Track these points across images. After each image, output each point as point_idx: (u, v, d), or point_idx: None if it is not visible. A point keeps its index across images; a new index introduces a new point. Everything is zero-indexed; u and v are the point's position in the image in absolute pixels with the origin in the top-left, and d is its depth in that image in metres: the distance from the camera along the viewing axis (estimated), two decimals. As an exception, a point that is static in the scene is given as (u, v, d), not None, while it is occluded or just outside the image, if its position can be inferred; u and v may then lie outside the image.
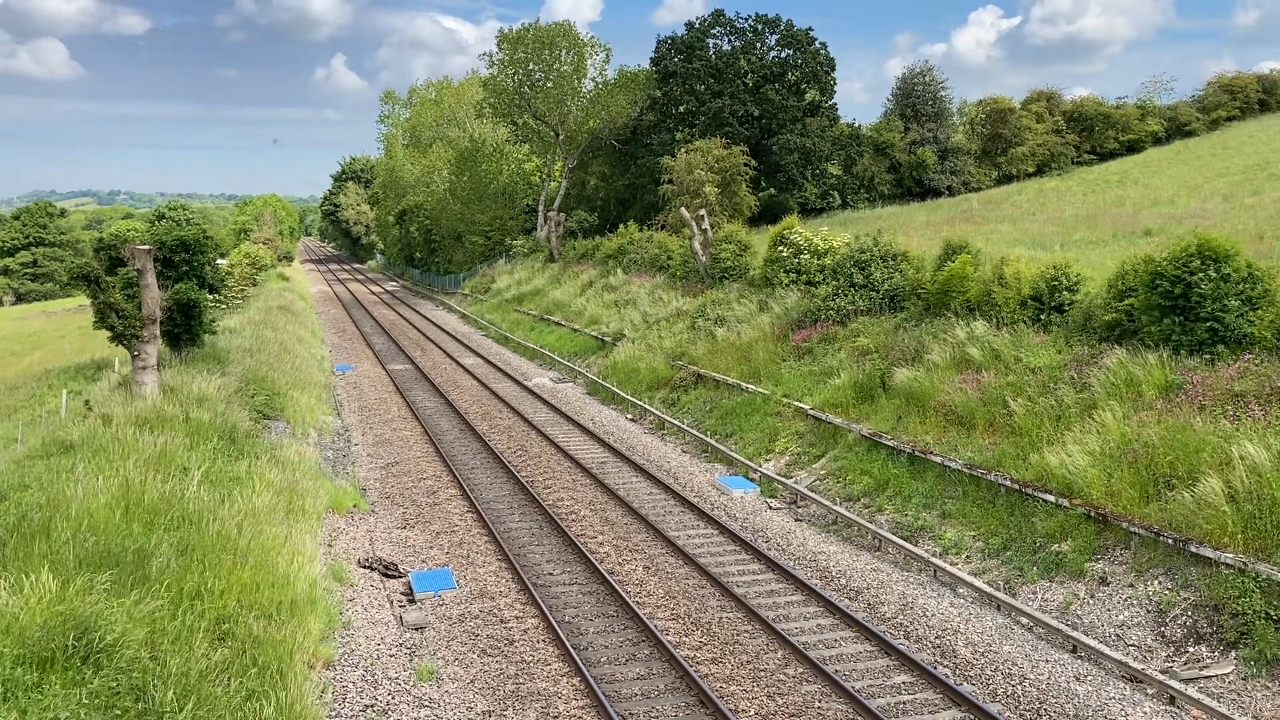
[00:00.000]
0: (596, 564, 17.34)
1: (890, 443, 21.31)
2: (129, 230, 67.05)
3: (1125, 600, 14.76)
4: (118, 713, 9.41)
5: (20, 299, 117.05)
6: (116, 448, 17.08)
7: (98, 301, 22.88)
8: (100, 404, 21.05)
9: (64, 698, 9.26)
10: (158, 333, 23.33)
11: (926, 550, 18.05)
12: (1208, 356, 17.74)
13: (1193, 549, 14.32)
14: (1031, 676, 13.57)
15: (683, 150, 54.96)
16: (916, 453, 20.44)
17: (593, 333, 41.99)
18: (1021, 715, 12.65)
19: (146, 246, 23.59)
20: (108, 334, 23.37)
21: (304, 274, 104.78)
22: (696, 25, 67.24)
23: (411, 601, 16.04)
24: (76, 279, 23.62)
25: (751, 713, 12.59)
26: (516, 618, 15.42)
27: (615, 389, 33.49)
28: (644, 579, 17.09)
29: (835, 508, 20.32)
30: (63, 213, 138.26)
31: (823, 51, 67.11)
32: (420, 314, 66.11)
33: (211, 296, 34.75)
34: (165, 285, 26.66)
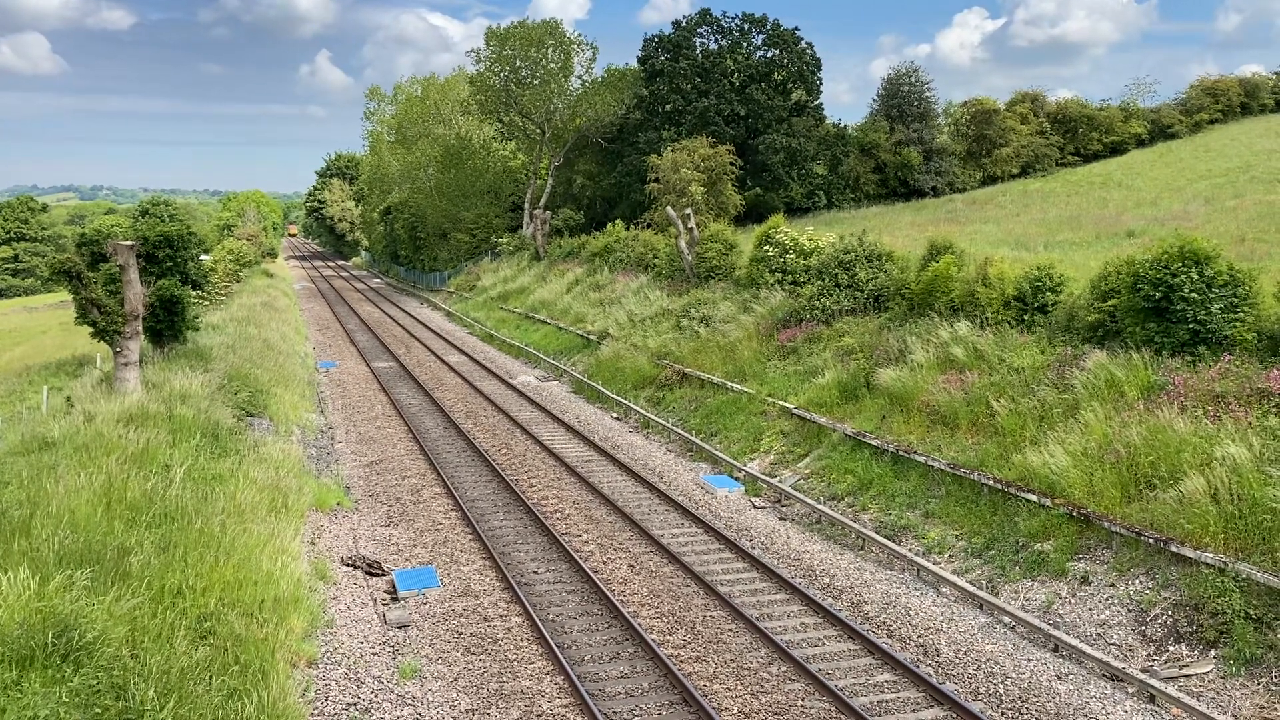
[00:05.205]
0: (581, 562, 17.33)
1: (874, 442, 21.38)
2: (111, 225, 66.62)
3: (1106, 599, 14.86)
4: (98, 711, 9.35)
5: (0, 294, 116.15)
6: (98, 444, 16.97)
7: (79, 297, 22.73)
8: (82, 400, 20.92)
9: (44, 696, 9.20)
10: (140, 329, 23.20)
11: (910, 549, 18.12)
12: (1189, 358, 17.86)
13: (1173, 549, 14.42)
14: (1014, 675, 13.64)
15: (669, 149, 54.98)
16: (900, 452, 20.51)
17: (578, 331, 41.95)
18: (1004, 714, 12.71)
19: (129, 242, 23.45)
20: (89, 330, 23.22)
21: (288, 270, 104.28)
22: (683, 24, 67.29)
23: (395, 600, 16.00)
24: (58, 274, 23.45)
25: (735, 711, 12.60)
26: (500, 616, 15.40)
27: (600, 387, 33.48)
28: (628, 577, 17.09)
29: (819, 507, 20.37)
30: (44, 208, 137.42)
31: (809, 51, 67.27)
32: (405, 311, 65.91)
33: (195, 293, 34.54)
34: (148, 281, 26.50)
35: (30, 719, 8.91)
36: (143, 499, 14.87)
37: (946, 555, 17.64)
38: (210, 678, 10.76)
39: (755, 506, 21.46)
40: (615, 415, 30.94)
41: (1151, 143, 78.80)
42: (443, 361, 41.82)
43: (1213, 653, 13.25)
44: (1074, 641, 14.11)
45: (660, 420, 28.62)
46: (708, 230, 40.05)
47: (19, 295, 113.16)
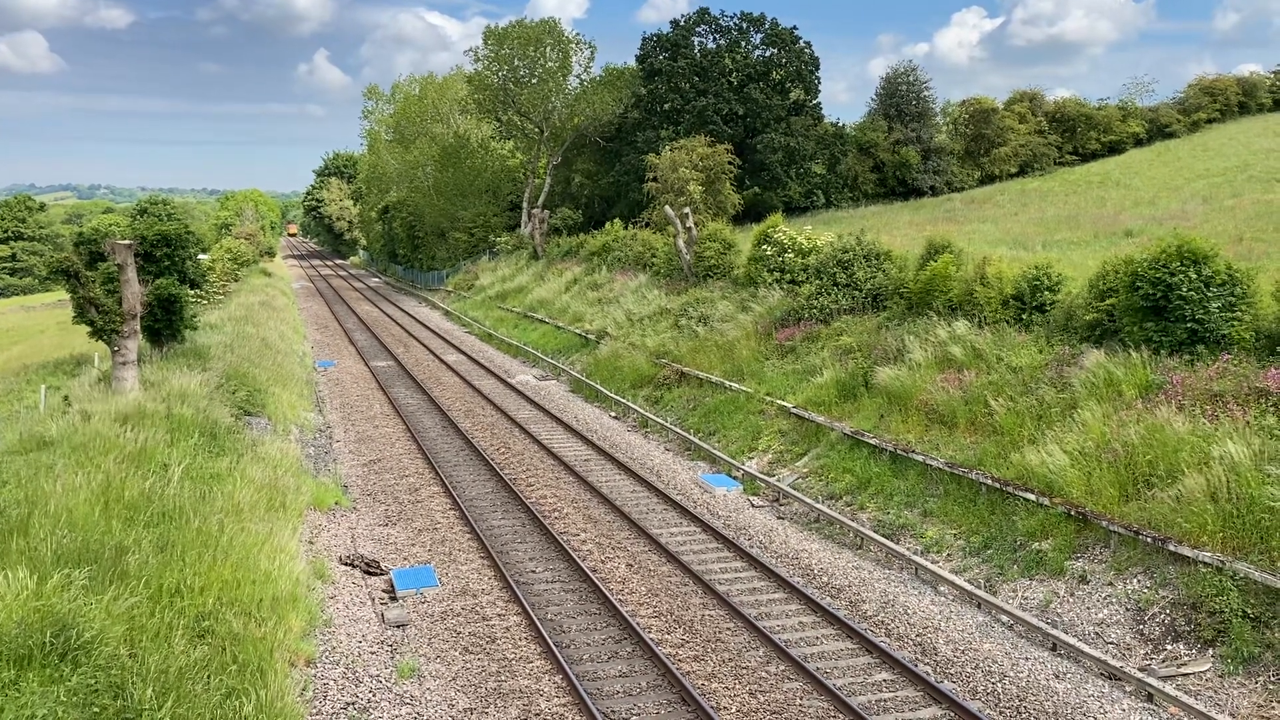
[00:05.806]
0: (579, 561, 17.33)
1: (872, 441, 21.39)
2: (109, 225, 66.64)
3: (1105, 598, 14.87)
4: (96, 710, 9.35)
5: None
6: (96, 444, 16.95)
7: (77, 296, 22.70)
8: (80, 399, 20.89)
9: (42, 695, 9.19)
10: (138, 328, 23.17)
11: (908, 548, 18.13)
12: (1187, 357, 17.87)
13: (1171, 548, 14.44)
14: (1011, 674, 13.65)
15: (667, 148, 54.95)
16: (898, 451, 20.52)
17: (576, 330, 41.95)
18: (1001, 712, 12.72)
19: (127, 241, 23.42)
20: (87, 329, 23.20)
21: (286, 269, 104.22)
22: (682, 23, 67.29)
23: (393, 599, 15.99)
24: (56, 273, 23.42)
25: (733, 710, 12.61)
26: (499, 615, 15.40)
27: (599, 386, 33.47)
28: (626, 576, 17.10)
29: (817, 506, 20.38)
30: (42, 207, 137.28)
31: (807, 51, 67.29)
32: (403, 310, 65.88)
33: (193, 292, 34.52)
34: (146, 280, 26.48)
35: (28, 718, 8.91)
36: (140, 498, 14.85)
37: (945, 554, 17.65)
38: (208, 677, 10.76)
39: (753, 505, 21.46)
40: (614, 414, 30.94)
41: (1149, 142, 78.85)
42: (441, 360, 41.81)
43: (1210, 651, 13.26)
44: (1072, 640, 14.13)
45: (658, 419, 28.62)
46: (706, 229, 40.05)
47: (17, 294, 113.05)
